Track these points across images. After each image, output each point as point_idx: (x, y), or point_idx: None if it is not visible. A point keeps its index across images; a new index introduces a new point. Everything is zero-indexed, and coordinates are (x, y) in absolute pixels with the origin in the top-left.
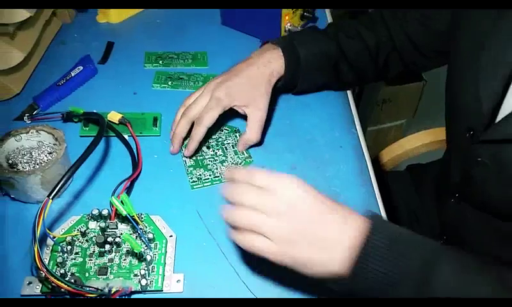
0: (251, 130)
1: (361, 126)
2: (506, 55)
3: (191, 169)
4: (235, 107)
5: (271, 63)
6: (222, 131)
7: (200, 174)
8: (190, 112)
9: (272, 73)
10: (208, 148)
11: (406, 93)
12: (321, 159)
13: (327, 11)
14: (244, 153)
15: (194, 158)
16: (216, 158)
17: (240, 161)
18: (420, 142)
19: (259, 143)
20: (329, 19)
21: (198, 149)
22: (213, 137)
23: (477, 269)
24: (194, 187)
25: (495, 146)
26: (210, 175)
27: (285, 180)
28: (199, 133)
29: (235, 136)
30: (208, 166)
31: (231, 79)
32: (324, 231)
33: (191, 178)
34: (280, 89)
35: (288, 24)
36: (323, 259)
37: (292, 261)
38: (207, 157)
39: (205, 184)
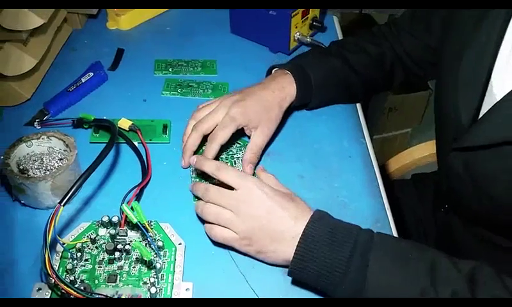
0: (251, 153)
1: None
2: (481, 66)
3: (196, 180)
4: (244, 127)
5: (284, 88)
6: (233, 144)
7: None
8: (203, 126)
9: (285, 98)
10: (217, 159)
11: (412, 101)
12: (330, 169)
13: (335, 20)
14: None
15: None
16: None
17: None
18: (428, 152)
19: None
20: (338, 28)
21: None
22: (223, 149)
23: (407, 260)
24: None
25: (465, 154)
26: None
27: (247, 183)
28: (212, 150)
29: None
30: (214, 180)
31: (247, 100)
32: (275, 225)
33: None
34: (292, 107)
35: (298, 33)
36: (275, 249)
37: (254, 252)
38: None
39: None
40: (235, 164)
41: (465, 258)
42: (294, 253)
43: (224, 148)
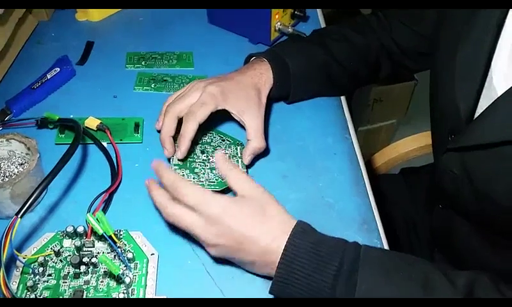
0: (257, 138)
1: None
2: (480, 56)
3: (176, 168)
4: (231, 113)
5: (262, 74)
6: (224, 141)
7: (183, 175)
8: (176, 107)
9: (264, 84)
10: (202, 152)
11: (397, 92)
12: (314, 167)
13: (318, 9)
14: (239, 165)
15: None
16: (206, 164)
17: None
18: (414, 146)
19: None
20: (321, 18)
21: (190, 152)
22: (212, 144)
23: (398, 277)
24: None
25: (461, 154)
26: (194, 178)
27: (210, 206)
28: (190, 129)
29: (236, 149)
30: (196, 169)
31: (223, 81)
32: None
33: None
34: (272, 98)
35: (279, 23)
36: (253, 266)
37: (232, 260)
38: (197, 160)
39: None
40: None
41: (464, 256)
42: (275, 276)
43: (213, 143)
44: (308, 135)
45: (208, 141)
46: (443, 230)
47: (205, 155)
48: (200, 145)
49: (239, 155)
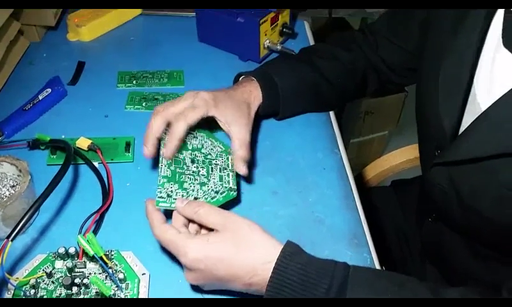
0: (242, 149)
1: (343, 139)
2: (462, 73)
3: (164, 181)
4: (219, 122)
5: (252, 92)
6: (215, 147)
7: (172, 191)
8: (168, 110)
9: (253, 101)
10: (192, 162)
11: (387, 104)
12: (304, 183)
13: (306, 25)
14: (231, 183)
15: (172, 168)
16: (196, 177)
17: (222, 190)
18: (404, 158)
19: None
20: (309, 34)
21: (180, 161)
22: (202, 151)
23: (388, 293)
24: (160, 203)
25: (448, 168)
26: (183, 196)
27: (187, 256)
28: (179, 129)
29: (227, 159)
30: (185, 184)
31: (216, 91)
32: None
33: (160, 192)
34: (262, 115)
35: (267, 41)
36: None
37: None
38: (187, 172)
39: (173, 205)
40: (211, 171)
41: (455, 268)
42: (264, 297)
43: (204, 149)
44: (298, 151)
45: (198, 146)
46: (433, 243)
47: (195, 165)
48: (191, 152)
49: (230, 166)
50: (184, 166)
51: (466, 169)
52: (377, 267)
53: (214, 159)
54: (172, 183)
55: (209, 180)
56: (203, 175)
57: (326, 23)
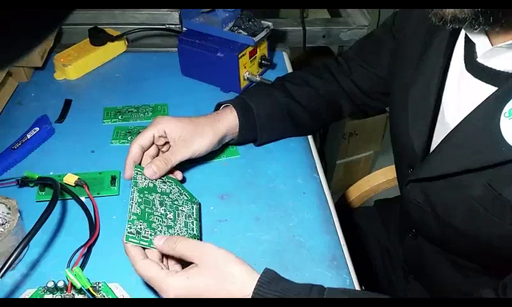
0: (163, 162)
1: (329, 161)
2: (429, 96)
3: (134, 217)
4: (169, 138)
5: (222, 118)
6: (182, 195)
7: (141, 229)
8: (138, 138)
9: (221, 126)
10: (161, 204)
11: (371, 125)
12: (285, 208)
13: (285, 56)
14: (195, 230)
15: (142, 207)
16: (164, 220)
17: (187, 236)
18: (385, 178)
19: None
20: (288, 64)
21: (149, 201)
22: (170, 196)
23: None
24: (129, 239)
25: (423, 184)
26: (150, 235)
27: (168, 293)
28: (131, 149)
29: (192, 207)
30: (153, 225)
31: (181, 117)
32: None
33: (130, 227)
34: (241, 142)
35: (247, 73)
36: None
37: None
38: (156, 213)
39: (142, 242)
40: (178, 217)
41: (437, 282)
42: None
43: (172, 195)
44: (279, 177)
45: (167, 191)
46: (415, 258)
47: (163, 208)
48: (160, 195)
49: (195, 215)
50: (153, 207)
51: (438, 184)
52: (357, 287)
53: (180, 206)
54: (141, 221)
55: (176, 224)
56: (170, 219)
57: (304, 53)
